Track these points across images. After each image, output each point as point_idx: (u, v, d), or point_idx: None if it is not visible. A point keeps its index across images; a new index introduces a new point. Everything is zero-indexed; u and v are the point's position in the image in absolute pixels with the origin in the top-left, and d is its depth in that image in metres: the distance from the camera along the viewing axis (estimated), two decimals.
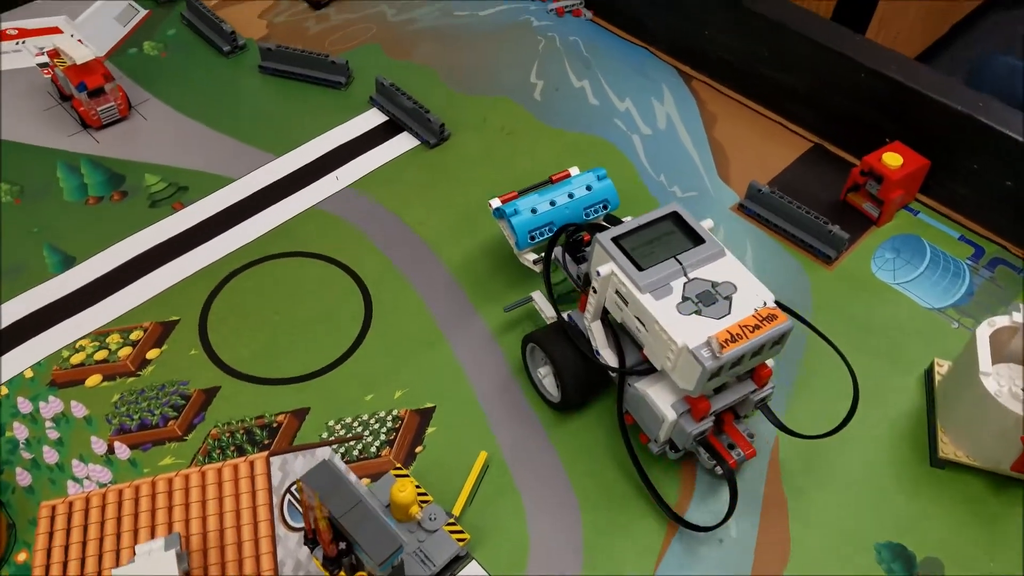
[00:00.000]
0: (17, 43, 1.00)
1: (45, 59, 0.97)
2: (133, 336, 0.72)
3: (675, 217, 0.61)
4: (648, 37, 1.00)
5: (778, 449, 0.65)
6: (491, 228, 0.79)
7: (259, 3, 1.05)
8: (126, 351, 0.71)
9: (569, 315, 0.66)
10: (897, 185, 0.78)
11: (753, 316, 0.56)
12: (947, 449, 0.64)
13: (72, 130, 0.89)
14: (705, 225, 0.61)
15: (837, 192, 0.83)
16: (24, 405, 0.67)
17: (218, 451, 0.65)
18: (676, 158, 0.87)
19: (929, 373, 0.69)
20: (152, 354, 0.71)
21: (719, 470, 0.61)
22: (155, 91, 0.93)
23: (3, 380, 0.69)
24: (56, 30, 1.02)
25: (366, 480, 0.63)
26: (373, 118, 0.91)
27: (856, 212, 0.82)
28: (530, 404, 0.68)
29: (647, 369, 0.61)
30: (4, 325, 0.72)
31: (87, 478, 0.64)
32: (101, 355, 0.71)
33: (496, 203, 0.71)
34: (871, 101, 0.83)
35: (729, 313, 0.56)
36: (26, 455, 0.65)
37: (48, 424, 0.66)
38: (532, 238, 0.70)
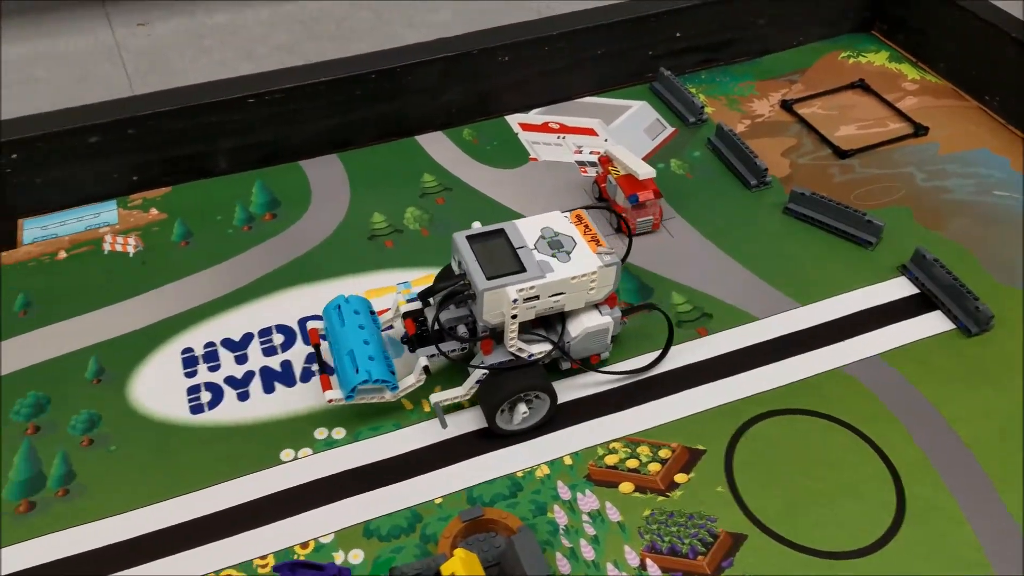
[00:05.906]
0: (558, 137, 1.12)
1: (583, 158, 1.08)
2: (662, 454, 0.75)
3: (469, 239, 0.74)
4: None
5: None
6: None
7: (781, 141, 1.08)
8: (655, 467, 0.74)
9: (484, 364, 0.75)
10: None
11: (581, 226, 0.77)
12: None
13: (606, 231, 0.97)
14: (475, 225, 0.77)
15: None
16: (563, 491, 0.73)
17: None
18: None
19: None
20: (680, 478, 0.73)
21: (647, 310, 0.83)
22: (681, 210, 0.99)
23: (544, 460, 0.75)
24: (591, 131, 1.13)
25: None
26: (901, 288, 0.88)
27: None
28: None
29: (554, 339, 0.76)
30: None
31: None
32: (632, 464, 0.75)
33: (333, 394, 0.74)
34: None
35: (575, 237, 0.75)
36: (565, 542, 0.69)
37: (585, 518, 0.71)
38: (392, 373, 0.76)
